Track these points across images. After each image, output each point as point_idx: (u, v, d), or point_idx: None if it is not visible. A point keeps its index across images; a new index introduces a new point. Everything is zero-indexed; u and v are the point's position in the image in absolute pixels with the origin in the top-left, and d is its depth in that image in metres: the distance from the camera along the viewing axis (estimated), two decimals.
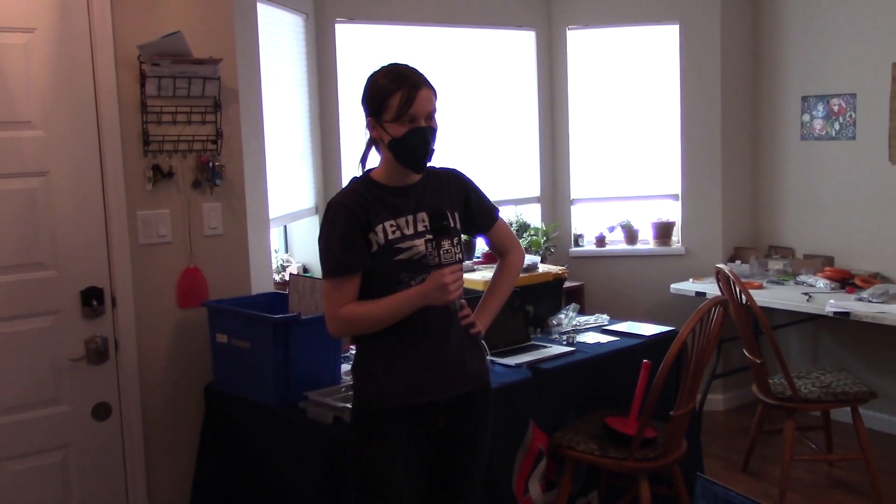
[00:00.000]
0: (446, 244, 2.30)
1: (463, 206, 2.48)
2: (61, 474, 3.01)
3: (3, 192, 2.84)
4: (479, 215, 2.54)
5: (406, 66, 2.33)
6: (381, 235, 2.30)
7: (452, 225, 2.38)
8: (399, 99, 2.25)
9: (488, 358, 2.60)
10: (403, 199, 2.36)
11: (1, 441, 2.88)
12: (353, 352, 2.47)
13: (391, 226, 2.31)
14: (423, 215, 2.35)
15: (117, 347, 3.07)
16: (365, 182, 2.38)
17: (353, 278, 2.31)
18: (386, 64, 2.34)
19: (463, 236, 2.50)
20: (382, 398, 2.35)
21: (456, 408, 2.41)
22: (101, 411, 3.06)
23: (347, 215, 2.29)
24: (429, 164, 2.43)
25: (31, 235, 2.89)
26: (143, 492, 3.16)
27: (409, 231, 2.32)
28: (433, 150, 2.33)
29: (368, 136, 2.38)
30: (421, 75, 2.31)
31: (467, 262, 4.61)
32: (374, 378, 2.37)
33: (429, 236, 2.31)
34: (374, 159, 2.44)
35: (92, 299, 2.99)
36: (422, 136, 2.27)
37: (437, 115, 2.34)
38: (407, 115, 2.26)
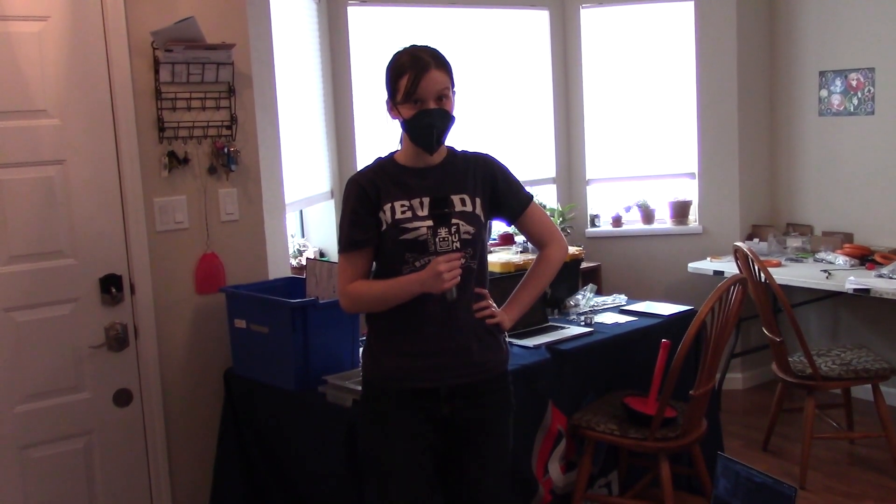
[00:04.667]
0: (443, 232, 2.27)
1: (490, 191, 2.44)
2: (84, 460, 3.04)
3: (20, 181, 2.85)
4: (508, 201, 2.47)
5: (423, 47, 2.31)
6: (388, 214, 2.31)
7: (473, 211, 2.36)
8: (406, 81, 2.25)
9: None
10: (420, 180, 2.35)
11: (24, 428, 2.91)
12: None
13: (402, 206, 2.32)
14: None
15: (137, 334, 3.08)
16: (385, 162, 2.40)
17: (363, 254, 2.34)
18: (408, 45, 2.33)
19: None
20: (382, 380, 2.38)
21: (460, 397, 2.39)
22: (123, 398, 3.08)
23: (358, 192, 2.34)
24: (461, 149, 2.44)
25: (49, 224, 2.91)
26: (165, 477, 3.18)
27: (422, 213, 2.31)
28: (446, 132, 2.30)
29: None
30: (433, 56, 2.28)
31: None
32: (375, 360, 2.40)
33: (429, 222, 2.29)
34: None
35: (111, 286, 3.01)
36: (427, 119, 2.26)
37: (454, 95, 2.31)
38: (414, 97, 2.26)
